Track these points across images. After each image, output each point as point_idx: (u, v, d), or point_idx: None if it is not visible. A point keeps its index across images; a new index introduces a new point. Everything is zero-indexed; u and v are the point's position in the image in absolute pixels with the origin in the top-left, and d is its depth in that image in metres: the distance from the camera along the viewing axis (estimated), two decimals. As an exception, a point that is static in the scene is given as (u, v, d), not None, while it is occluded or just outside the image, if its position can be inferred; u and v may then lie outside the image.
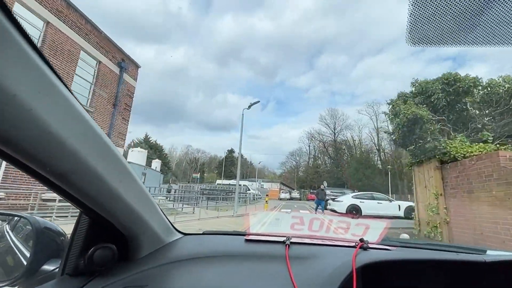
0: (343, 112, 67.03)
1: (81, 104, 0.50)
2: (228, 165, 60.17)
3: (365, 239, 0.94)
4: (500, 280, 0.84)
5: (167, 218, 0.95)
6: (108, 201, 0.62)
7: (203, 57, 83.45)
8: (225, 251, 0.91)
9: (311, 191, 44.56)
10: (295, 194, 42.67)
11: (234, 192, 15.53)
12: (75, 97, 0.49)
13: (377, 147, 51.16)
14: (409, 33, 0.64)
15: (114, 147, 0.60)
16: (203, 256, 0.86)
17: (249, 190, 31.00)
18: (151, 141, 52.70)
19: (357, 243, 0.91)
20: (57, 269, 0.74)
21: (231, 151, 64.10)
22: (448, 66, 38.42)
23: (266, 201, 16.97)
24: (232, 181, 34.31)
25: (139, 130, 75.16)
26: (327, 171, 53.22)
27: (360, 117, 75.55)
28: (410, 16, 0.59)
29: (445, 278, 0.85)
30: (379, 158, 51.24)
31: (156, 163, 34.47)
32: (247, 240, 0.97)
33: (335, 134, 57.64)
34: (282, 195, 39.70)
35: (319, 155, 60.13)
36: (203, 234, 1.13)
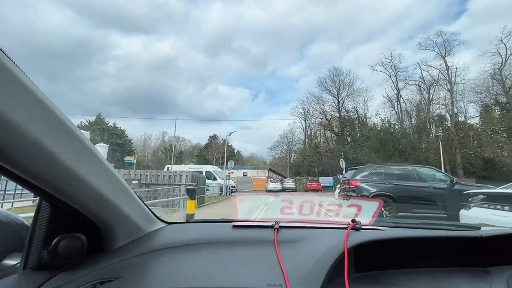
0: (349, 71, 47.58)
1: (19, 68, 0.44)
2: (210, 151, 50.90)
3: (357, 220, 0.92)
4: (497, 255, 0.82)
5: (148, 207, 0.91)
6: (67, 184, 0.56)
7: (192, 48, 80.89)
8: (210, 238, 0.88)
9: (310, 178, 35.00)
10: (289, 183, 32.52)
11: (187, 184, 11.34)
12: (10, 59, 0.43)
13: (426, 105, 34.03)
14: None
15: (68, 119, 0.53)
16: (187, 244, 0.84)
17: (216, 179, 21.60)
18: (108, 123, 43.19)
19: (348, 225, 0.89)
20: (19, 264, 0.68)
21: (213, 137, 54.79)
22: (434, 53, 30.85)
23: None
24: (196, 167, 24.72)
25: (128, 124, 72.27)
26: (331, 150, 40.28)
27: (372, 76, 62.08)
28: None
29: (440, 255, 0.83)
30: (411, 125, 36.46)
31: (101, 148, 25.14)
32: (234, 226, 0.95)
33: (339, 102, 42.99)
34: (271, 186, 29.97)
35: (319, 131, 46.18)
36: (188, 222, 1.11)
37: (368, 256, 0.78)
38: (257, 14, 74.58)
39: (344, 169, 19.09)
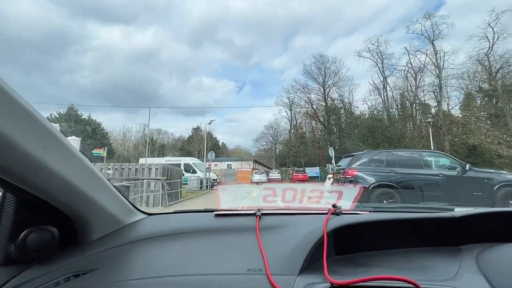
0: (335, 58, 44.35)
1: None
2: (193, 144, 48.60)
3: (338, 205, 0.93)
4: (467, 234, 0.84)
5: (126, 198, 0.89)
6: (31, 174, 0.53)
7: (175, 39, 77.16)
8: (192, 227, 0.88)
9: (297, 169, 33.90)
10: (275, 175, 31.45)
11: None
12: None
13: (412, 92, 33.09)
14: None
15: (29, 105, 0.49)
16: (168, 234, 0.83)
17: (195, 172, 19.88)
18: (81, 116, 40.04)
19: (329, 210, 0.90)
20: None
21: (196, 129, 52.45)
22: (421, 39, 30.42)
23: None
24: (173, 159, 22.79)
25: (108, 118, 68.32)
26: (317, 140, 38.28)
27: (358, 65, 59.45)
28: None
29: (416, 236, 0.85)
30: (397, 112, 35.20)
31: (73, 141, 22.68)
32: (216, 215, 0.95)
33: (325, 90, 40.72)
34: (256, 178, 28.69)
35: (304, 121, 44.31)
36: (169, 213, 1.09)
37: (347, 240, 0.80)
38: (241, 4, 73.54)
39: (333, 158, 17.99)
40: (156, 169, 11.04)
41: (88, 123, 39.55)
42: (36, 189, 0.57)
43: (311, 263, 0.66)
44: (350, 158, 7.61)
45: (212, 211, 1.00)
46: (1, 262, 0.62)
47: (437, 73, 31.32)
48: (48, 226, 0.66)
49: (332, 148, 19.38)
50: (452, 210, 0.95)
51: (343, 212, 0.91)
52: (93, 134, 39.11)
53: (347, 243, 0.79)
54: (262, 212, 0.91)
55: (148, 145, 54.37)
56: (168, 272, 0.63)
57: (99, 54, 67.25)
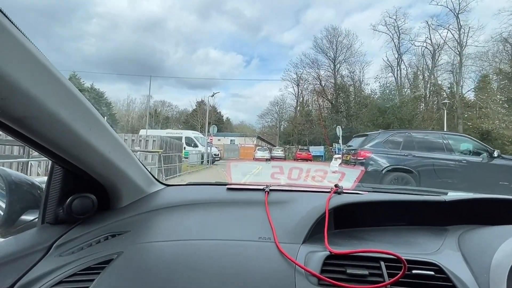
0: (348, 31, 39.66)
1: (39, 50, 0.49)
2: (196, 117, 47.80)
3: (340, 185, 0.98)
4: (455, 216, 0.91)
5: (148, 170, 0.98)
6: (78, 149, 0.63)
7: (183, 8, 74.34)
8: (207, 199, 0.95)
9: (300, 147, 33.18)
10: (278, 152, 30.53)
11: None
12: (31, 41, 0.48)
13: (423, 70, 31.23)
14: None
15: (79, 93, 0.60)
16: (185, 204, 0.90)
17: (196, 146, 19.35)
18: (83, 84, 39.12)
19: (332, 189, 0.96)
20: (37, 219, 0.77)
21: (201, 102, 51.24)
22: (436, 20, 31.41)
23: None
24: (174, 132, 22.25)
25: (113, 88, 69.08)
26: (324, 119, 36.38)
27: (372, 39, 56.37)
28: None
29: (408, 215, 0.92)
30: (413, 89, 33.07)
31: None
32: (229, 189, 1.01)
33: (335, 66, 38.30)
34: (259, 154, 28.02)
35: (311, 99, 41.99)
36: (186, 185, 1.16)
37: (346, 216, 0.87)
38: None
39: (340, 138, 17.16)
40: (154, 141, 10.49)
41: (91, 92, 38.70)
42: (81, 162, 0.67)
43: (313, 235, 0.74)
44: (363, 138, 6.85)
45: (224, 184, 1.07)
46: (52, 222, 0.74)
47: (458, 51, 29.14)
48: (88, 193, 0.76)
49: (339, 127, 18.41)
50: (446, 194, 1.01)
51: (344, 191, 0.96)
52: (96, 103, 38.50)
53: (345, 219, 0.87)
54: (270, 188, 0.98)
55: (152, 117, 54.09)
56: (188, 236, 0.72)
57: (104, 21, 65.33)
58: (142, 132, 20.36)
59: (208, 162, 16.80)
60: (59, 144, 0.59)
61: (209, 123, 24.00)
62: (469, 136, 6.84)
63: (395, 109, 28.45)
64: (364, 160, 6.24)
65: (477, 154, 6.25)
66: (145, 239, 0.70)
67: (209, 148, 17.20)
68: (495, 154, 6.07)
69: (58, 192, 0.73)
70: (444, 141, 6.32)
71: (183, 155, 15.89)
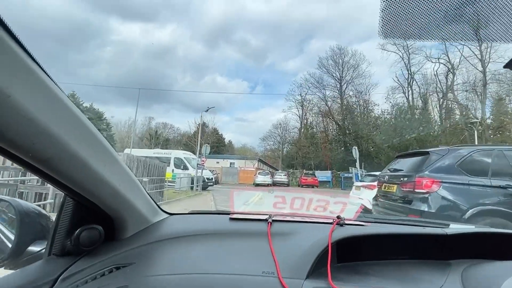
0: (354, 51, 39.20)
1: (61, 90, 0.51)
2: (195, 138, 45.70)
3: (342, 216, 0.98)
4: (457, 250, 0.90)
5: (153, 199, 0.97)
6: (93, 184, 0.65)
7: (192, 38, 79.90)
8: (210, 229, 0.95)
9: (305, 172, 30.29)
10: (281, 177, 27.34)
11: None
12: (55, 83, 0.50)
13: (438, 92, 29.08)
14: (381, 26, 0.66)
15: (98, 132, 0.63)
16: (189, 234, 0.90)
17: (187, 168, 16.77)
18: (82, 103, 37.59)
19: (334, 220, 0.95)
20: (44, 250, 0.77)
21: (203, 125, 49.49)
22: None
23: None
24: (162, 151, 19.80)
25: (122, 112, 69.44)
26: (330, 141, 34.33)
27: (382, 57, 54.68)
28: (382, 11, 0.62)
29: (411, 248, 0.91)
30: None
31: None
32: (231, 219, 1.01)
33: (341, 86, 36.44)
34: (260, 179, 25.17)
35: (316, 120, 39.76)
36: (189, 214, 1.17)
37: (349, 249, 0.87)
38: (258, 6, 74.40)
39: (357, 160, 14.58)
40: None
41: (88, 112, 37.15)
42: (93, 195, 0.69)
43: (316, 269, 0.73)
44: (420, 158, 4.25)
45: (227, 213, 1.07)
46: (58, 254, 0.74)
47: (482, 68, 26.94)
48: (95, 225, 0.77)
49: (355, 148, 15.79)
50: (448, 225, 1.00)
51: (346, 222, 0.95)
52: (95, 124, 36.85)
53: (348, 251, 0.86)
54: (273, 218, 0.97)
55: (152, 138, 52.27)
56: (192, 270, 0.72)
57: (118, 48, 69.26)
58: (127, 151, 17.82)
59: (198, 188, 14.15)
60: (76, 181, 0.61)
61: (206, 144, 21.51)
62: None
63: (414, 128, 25.92)
64: (428, 196, 3.66)
65: None
66: (150, 272, 0.71)
67: (200, 171, 14.57)
68: None
69: (67, 224, 0.74)
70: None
71: (168, 179, 13.32)
